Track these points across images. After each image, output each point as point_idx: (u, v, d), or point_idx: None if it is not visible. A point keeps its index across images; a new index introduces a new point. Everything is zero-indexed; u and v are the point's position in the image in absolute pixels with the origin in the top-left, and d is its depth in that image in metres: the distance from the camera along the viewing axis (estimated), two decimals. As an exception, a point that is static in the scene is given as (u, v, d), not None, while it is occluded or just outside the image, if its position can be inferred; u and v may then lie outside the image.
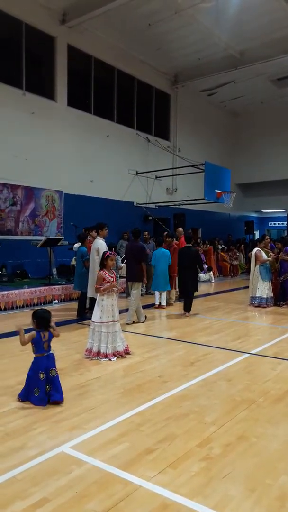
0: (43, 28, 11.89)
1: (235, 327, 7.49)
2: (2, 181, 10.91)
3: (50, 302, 9.71)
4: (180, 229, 11.35)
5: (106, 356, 5.31)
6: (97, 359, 5.31)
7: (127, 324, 7.48)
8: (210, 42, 13.80)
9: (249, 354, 5.70)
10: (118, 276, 9.19)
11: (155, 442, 3.21)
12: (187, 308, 8.57)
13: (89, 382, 4.56)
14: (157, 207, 15.94)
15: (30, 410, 3.77)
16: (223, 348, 6.00)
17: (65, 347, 6.06)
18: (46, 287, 9.73)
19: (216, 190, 13.42)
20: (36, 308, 9.09)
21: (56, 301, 9.87)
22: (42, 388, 3.90)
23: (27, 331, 4.04)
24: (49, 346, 4.06)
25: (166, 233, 10.50)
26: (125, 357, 5.44)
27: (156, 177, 15.88)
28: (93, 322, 5.43)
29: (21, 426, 3.45)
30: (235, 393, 4.27)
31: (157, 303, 9.33)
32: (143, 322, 7.74)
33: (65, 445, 3.14)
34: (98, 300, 5.48)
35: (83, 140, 13.11)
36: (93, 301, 7.77)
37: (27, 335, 3.98)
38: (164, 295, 9.35)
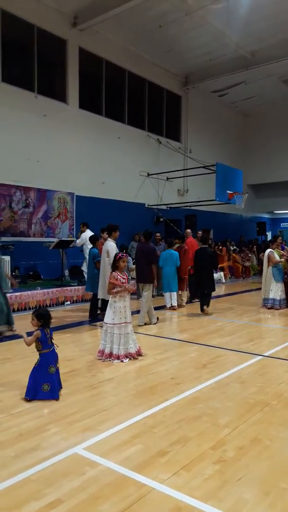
0: (55, 31, 11.99)
1: (247, 329, 7.44)
2: (15, 184, 11.01)
3: (63, 303, 9.77)
4: (188, 230, 11.35)
5: (118, 357, 5.32)
6: (110, 360, 5.31)
7: (139, 325, 7.48)
8: (221, 43, 13.76)
9: (262, 357, 5.65)
10: (130, 277, 9.22)
11: (168, 444, 3.21)
12: (206, 303, 8.75)
13: (101, 383, 4.57)
14: (168, 209, 15.93)
15: (43, 411, 3.79)
16: (236, 350, 5.96)
17: (77, 348, 6.09)
18: (59, 289, 9.79)
19: (227, 191, 13.35)
20: (50, 309, 9.18)
21: (69, 302, 9.92)
22: (53, 382, 4.05)
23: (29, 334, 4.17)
24: (52, 341, 4.21)
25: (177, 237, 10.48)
26: (137, 358, 5.44)
27: (167, 178, 15.87)
28: (106, 323, 5.45)
29: (35, 427, 3.47)
30: (248, 395, 4.24)
31: (168, 305, 9.31)
32: (155, 323, 7.74)
33: (78, 447, 3.15)
34: (111, 301, 5.49)
35: (95, 142, 13.17)
36: (105, 302, 7.80)
37: (31, 336, 4.12)
38: (174, 295, 9.34)
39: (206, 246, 9.16)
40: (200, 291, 9.00)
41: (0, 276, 6.87)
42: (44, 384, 4.02)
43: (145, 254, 7.76)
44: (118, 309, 5.41)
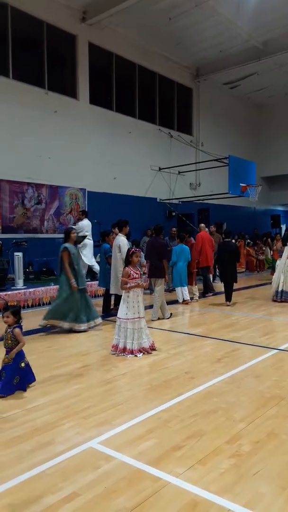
0: (64, 27, 11.97)
1: (262, 323, 7.37)
2: (27, 180, 11.07)
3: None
4: (202, 224, 11.29)
5: (132, 352, 5.32)
6: (123, 355, 5.32)
7: (152, 320, 7.47)
8: (232, 34, 13.57)
9: (277, 350, 5.60)
10: (142, 272, 9.20)
11: (183, 438, 3.19)
12: (228, 298, 9.06)
13: (116, 378, 4.58)
14: (180, 203, 15.85)
15: (58, 406, 3.81)
16: (251, 344, 5.91)
17: (91, 343, 6.11)
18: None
19: (240, 184, 13.21)
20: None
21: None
22: (22, 375, 4.14)
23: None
24: None
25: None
26: (150, 353, 5.43)
27: (179, 172, 15.77)
28: (119, 318, 5.45)
29: (50, 422, 3.49)
30: (263, 389, 4.20)
31: (180, 300, 9.27)
32: (168, 318, 7.72)
33: (93, 441, 3.16)
34: (124, 296, 5.50)
35: (106, 138, 13.14)
36: (118, 297, 7.80)
37: (20, 336, 4.16)
38: (185, 290, 9.30)
39: (229, 239, 9.51)
40: (224, 283, 9.23)
41: (78, 272, 6.73)
42: (15, 377, 4.09)
43: (156, 249, 7.74)
44: (131, 304, 5.41)
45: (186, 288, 9.32)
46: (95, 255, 11.24)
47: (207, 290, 10.41)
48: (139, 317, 5.43)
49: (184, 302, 9.23)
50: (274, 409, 3.72)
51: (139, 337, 5.41)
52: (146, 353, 5.40)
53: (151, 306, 7.84)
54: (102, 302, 8.45)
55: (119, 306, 7.83)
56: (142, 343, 5.42)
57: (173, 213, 15.32)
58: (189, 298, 9.31)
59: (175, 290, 9.62)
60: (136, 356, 5.28)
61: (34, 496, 2.51)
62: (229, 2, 11.82)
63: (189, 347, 5.86)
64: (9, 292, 8.68)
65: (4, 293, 8.58)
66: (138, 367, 4.95)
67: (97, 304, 8.96)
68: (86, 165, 12.49)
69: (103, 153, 13.02)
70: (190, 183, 16.63)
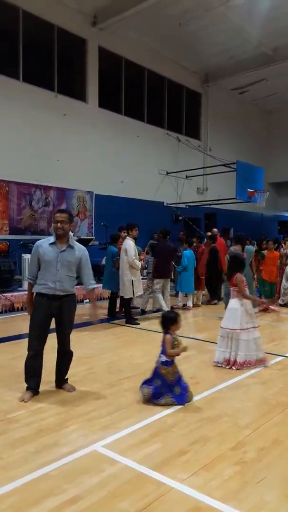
0: (75, 31, 12.05)
1: (269, 330, 7.32)
2: (35, 182, 11.13)
3: (82, 301, 9.79)
4: (215, 229, 11.26)
5: (263, 361, 5.07)
6: (245, 367, 4.97)
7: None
8: (242, 39, 13.58)
9: (283, 357, 5.56)
10: (147, 273, 9.21)
11: (187, 443, 3.17)
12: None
13: (121, 381, 4.57)
14: (187, 207, 15.84)
15: (63, 408, 3.81)
16: (256, 350, 5.86)
17: (97, 346, 6.11)
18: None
19: (248, 189, 13.19)
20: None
21: (87, 300, 9.96)
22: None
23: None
24: None
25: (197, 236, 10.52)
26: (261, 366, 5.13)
27: (187, 176, 15.77)
28: (233, 329, 5.06)
29: (55, 424, 3.49)
30: (269, 396, 4.17)
31: (190, 304, 9.24)
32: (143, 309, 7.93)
33: (97, 444, 3.15)
34: (236, 305, 5.14)
35: (114, 141, 13.19)
36: (123, 300, 7.80)
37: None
38: (191, 296, 9.28)
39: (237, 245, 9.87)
40: None
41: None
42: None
43: (171, 252, 7.83)
44: (244, 313, 5.10)
45: (191, 294, 9.28)
46: (101, 257, 11.24)
47: (214, 297, 10.33)
48: (254, 327, 5.13)
49: (185, 307, 9.16)
50: (279, 416, 3.69)
51: (257, 348, 5.11)
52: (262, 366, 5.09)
53: (158, 310, 7.85)
54: (108, 305, 8.44)
55: (124, 309, 7.87)
56: (259, 354, 5.12)
57: (180, 217, 15.31)
58: (191, 304, 9.26)
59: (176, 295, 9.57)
60: (265, 366, 5.05)
61: (38, 497, 2.51)
62: (239, 8, 11.83)
63: (194, 352, 5.82)
64: (15, 293, 8.71)
65: (11, 294, 8.62)
66: (144, 371, 4.90)
67: (103, 307, 8.97)
68: (94, 168, 12.53)
69: (111, 156, 13.06)
70: (197, 188, 16.62)
